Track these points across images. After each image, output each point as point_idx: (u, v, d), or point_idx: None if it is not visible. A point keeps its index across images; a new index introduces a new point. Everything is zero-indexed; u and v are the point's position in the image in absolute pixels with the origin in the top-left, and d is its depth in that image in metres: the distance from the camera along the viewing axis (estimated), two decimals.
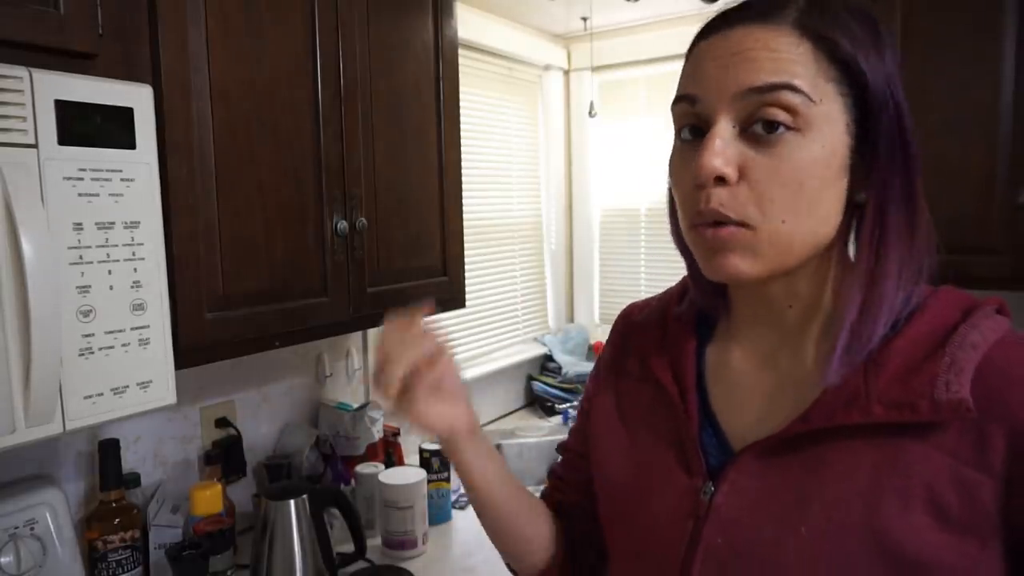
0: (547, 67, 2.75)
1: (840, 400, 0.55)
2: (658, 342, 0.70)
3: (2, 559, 1.09)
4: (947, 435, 0.52)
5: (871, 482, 0.53)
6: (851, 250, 0.60)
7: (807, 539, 0.55)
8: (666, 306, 0.73)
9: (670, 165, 0.62)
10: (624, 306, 0.81)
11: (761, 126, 0.54)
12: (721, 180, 0.55)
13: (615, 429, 0.72)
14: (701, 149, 0.55)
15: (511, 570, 0.82)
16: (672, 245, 0.69)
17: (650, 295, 0.78)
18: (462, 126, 1.67)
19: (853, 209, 0.58)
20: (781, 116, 0.53)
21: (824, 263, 0.60)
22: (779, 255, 0.56)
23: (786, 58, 0.53)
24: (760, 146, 0.54)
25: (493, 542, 0.78)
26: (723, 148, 0.54)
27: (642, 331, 0.74)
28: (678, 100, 0.59)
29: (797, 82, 0.53)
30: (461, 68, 1.66)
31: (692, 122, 0.58)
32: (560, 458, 0.85)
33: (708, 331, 0.70)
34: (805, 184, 0.54)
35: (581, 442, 0.79)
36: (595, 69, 2.70)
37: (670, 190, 0.64)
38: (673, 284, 0.76)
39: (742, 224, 0.55)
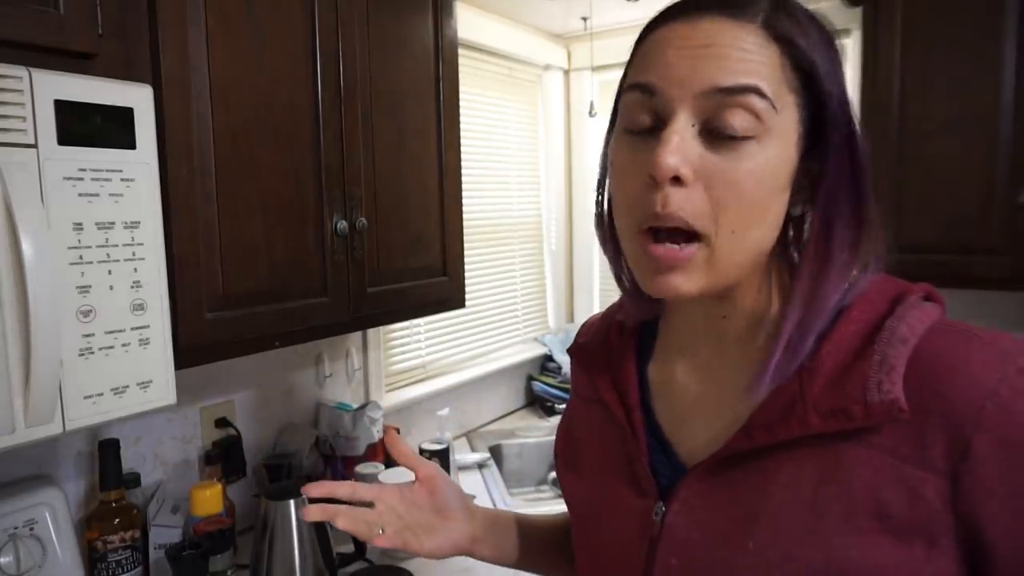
0: (547, 67, 2.75)
1: (777, 413, 0.54)
2: (602, 361, 0.69)
3: (2, 559, 1.09)
4: (886, 435, 0.51)
5: (814, 492, 0.53)
6: (796, 258, 0.58)
7: (755, 554, 0.54)
8: (608, 324, 0.72)
9: (614, 159, 0.57)
10: None
11: (722, 128, 0.51)
12: (677, 180, 0.51)
13: (573, 452, 0.72)
14: (658, 145, 0.51)
15: None
16: None
17: (615, 303, 0.76)
18: (462, 126, 1.67)
19: (788, 222, 0.57)
20: (743, 119, 0.51)
21: (763, 276, 0.59)
22: (724, 269, 0.54)
23: (755, 59, 0.51)
24: (718, 148, 0.51)
25: None
26: (681, 146, 0.51)
27: (589, 351, 0.72)
28: (631, 88, 0.55)
29: (763, 86, 0.51)
30: (461, 68, 1.66)
31: (646, 118, 0.54)
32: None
33: (651, 346, 0.68)
34: (757, 192, 0.52)
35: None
36: (595, 69, 2.70)
37: (601, 187, 0.62)
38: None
39: (694, 235, 0.52)
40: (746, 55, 0.51)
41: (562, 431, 0.77)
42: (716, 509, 0.57)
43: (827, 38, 0.55)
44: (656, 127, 0.53)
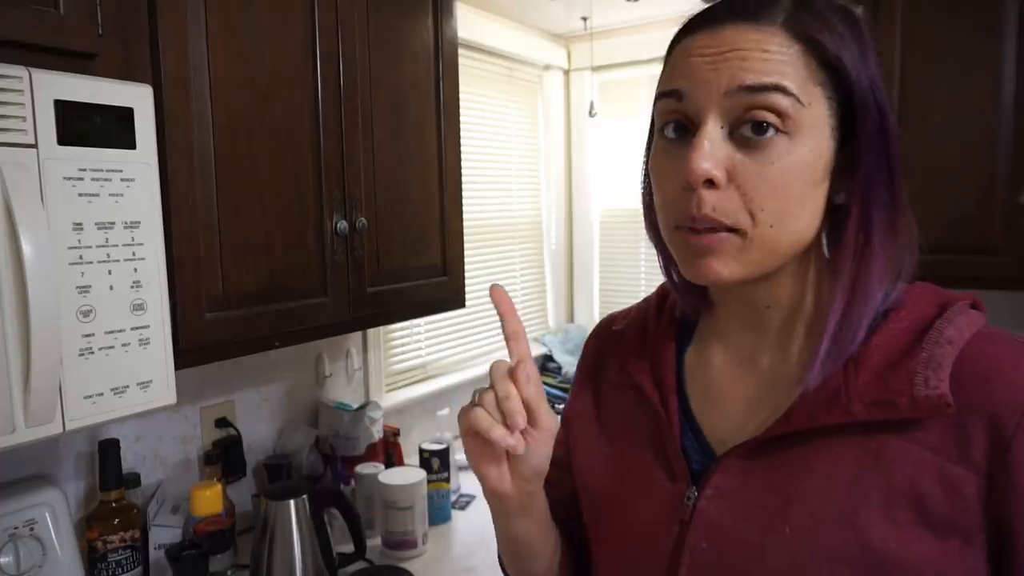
0: (547, 67, 2.75)
1: (821, 400, 0.55)
2: (638, 348, 0.70)
3: (2, 559, 1.09)
4: (929, 431, 0.52)
5: (853, 481, 0.54)
6: (825, 250, 0.59)
7: (791, 540, 0.55)
8: (645, 314, 0.73)
9: (652, 164, 0.60)
10: (625, 305, 0.80)
11: (750, 128, 0.53)
12: (710, 183, 0.53)
13: (595, 436, 0.71)
14: (690, 150, 0.53)
15: None
16: None
17: (649, 295, 0.77)
18: (462, 126, 1.67)
19: (830, 210, 0.58)
20: (770, 118, 0.52)
21: (803, 265, 0.60)
22: (764, 259, 0.55)
23: (777, 59, 0.52)
24: (748, 149, 0.53)
25: (510, 569, 0.77)
26: (712, 150, 0.53)
27: (621, 339, 0.73)
28: (662, 95, 0.57)
29: (788, 84, 0.52)
30: (461, 68, 1.66)
31: (677, 119, 0.56)
32: None
33: (688, 334, 0.69)
34: (793, 188, 0.53)
35: (563, 455, 0.76)
36: (595, 69, 2.70)
37: (647, 187, 0.63)
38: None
39: (732, 230, 0.54)
40: (769, 55, 0.52)
41: (578, 414, 0.75)
42: (751, 495, 0.57)
43: (855, 28, 0.56)
44: (688, 132, 0.56)
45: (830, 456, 0.55)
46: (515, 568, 0.76)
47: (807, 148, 0.53)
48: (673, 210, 0.56)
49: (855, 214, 0.56)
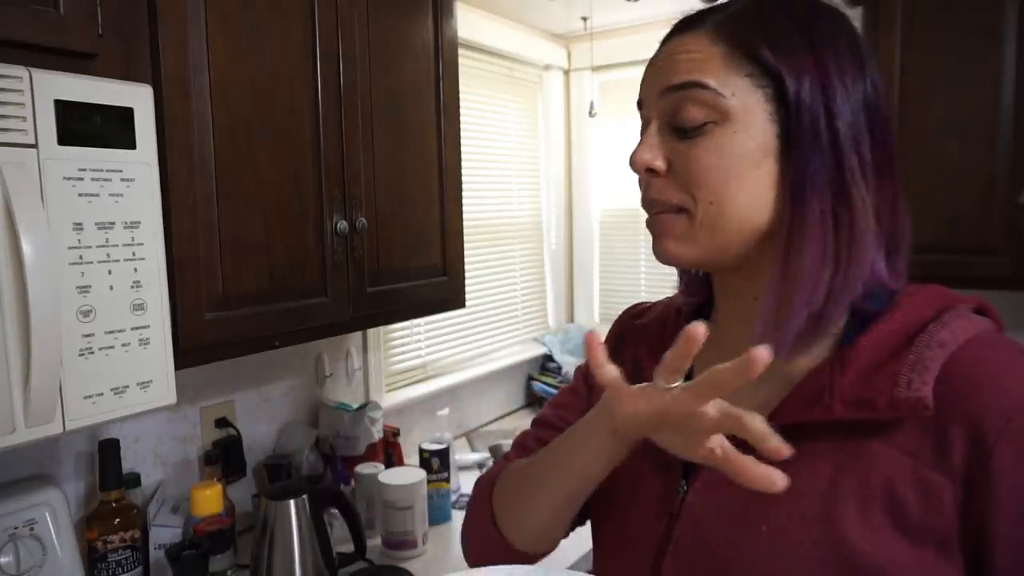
0: (547, 67, 2.75)
1: (805, 398, 0.56)
2: (652, 346, 0.71)
3: (2, 559, 1.09)
4: (909, 436, 0.52)
5: (831, 482, 0.54)
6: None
7: (767, 538, 0.55)
8: (666, 314, 0.75)
9: None
10: (625, 305, 0.82)
11: (681, 120, 0.59)
12: (652, 172, 0.61)
13: None
14: (636, 145, 0.62)
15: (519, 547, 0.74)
16: None
17: (650, 295, 0.78)
18: (462, 126, 1.67)
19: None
20: (694, 111, 0.58)
21: (773, 253, 0.60)
22: (712, 237, 0.59)
23: (698, 58, 0.58)
24: (684, 139, 0.59)
25: (533, 519, 0.70)
26: (652, 143, 0.61)
27: (641, 333, 0.75)
28: (638, 105, 0.66)
29: (705, 79, 0.58)
30: (461, 68, 1.66)
31: (642, 124, 0.64)
32: (530, 430, 0.81)
33: None
34: (727, 167, 0.57)
35: (562, 417, 0.75)
36: (595, 69, 2.70)
37: None
38: (673, 284, 0.77)
39: (679, 210, 0.60)
40: (691, 56, 0.59)
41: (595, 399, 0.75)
42: (734, 490, 0.57)
43: (799, 25, 0.58)
44: None
45: (811, 454, 0.55)
46: (544, 525, 0.70)
47: (738, 131, 0.57)
48: (641, 200, 0.64)
49: (786, 190, 0.57)
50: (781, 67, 0.57)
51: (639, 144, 0.62)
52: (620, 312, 0.82)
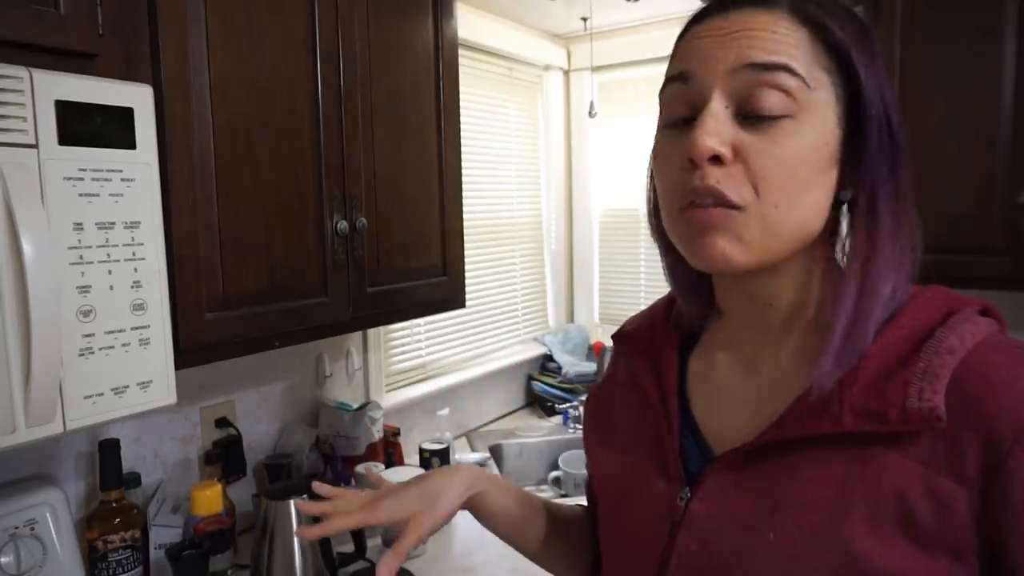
0: (547, 67, 2.75)
1: (813, 409, 0.54)
2: (644, 350, 0.71)
3: (2, 559, 1.09)
4: (920, 443, 0.50)
5: (840, 491, 0.52)
6: (838, 250, 0.59)
7: (775, 547, 0.54)
8: (654, 316, 0.74)
9: (654, 155, 0.60)
10: (624, 307, 0.83)
11: (756, 108, 0.52)
12: (716, 160, 0.52)
13: (607, 435, 0.72)
14: (694, 128, 0.53)
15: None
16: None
17: (649, 294, 0.79)
18: (462, 126, 1.67)
19: (837, 207, 0.58)
20: (776, 98, 0.52)
21: (807, 263, 0.59)
22: (767, 243, 0.54)
23: (784, 40, 0.52)
24: (754, 128, 0.53)
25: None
26: (717, 127, 0.52)
27: (632, 340, 0.75)
28: (669, 81, 0.57)
29: (795, 65, 0.52)
30: (461, 68, 1.66)
31: (683, 109, 0.56)
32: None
33: (694, 340, 0.70)
34: (799, 169, 0.53)
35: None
36: (595, 69, 2.70)
37: (653, 189, 0.63)
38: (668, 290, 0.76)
39: (735, 207, 0.53)
40: (776, 35, 0.52)
41: (594, 410, 0.77)
42: (741, 498, 0.57)
43: (859, 25, 0.56)
44: (693, 118, 0.55)
45: (819, 465, 0.54)
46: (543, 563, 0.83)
47: (813, 131, 0.53)
48: (676, 193, 0.56)
49: (862, 207, 0.55)
50: (862, 70, 0.53)
51: (699, 127, 0.52)
52: (620, 312, 0.83)
